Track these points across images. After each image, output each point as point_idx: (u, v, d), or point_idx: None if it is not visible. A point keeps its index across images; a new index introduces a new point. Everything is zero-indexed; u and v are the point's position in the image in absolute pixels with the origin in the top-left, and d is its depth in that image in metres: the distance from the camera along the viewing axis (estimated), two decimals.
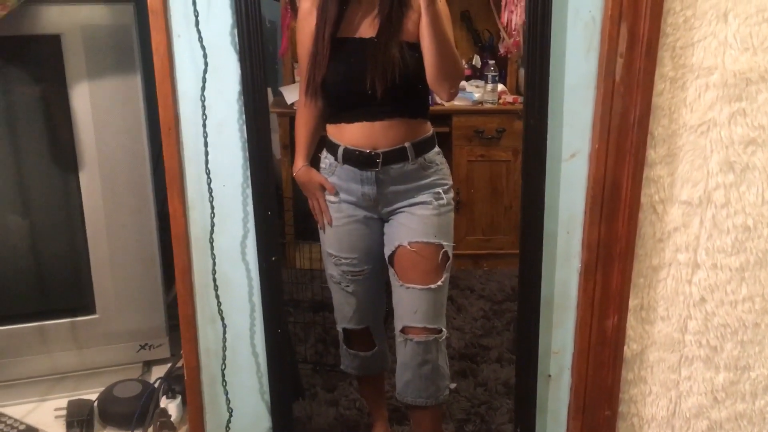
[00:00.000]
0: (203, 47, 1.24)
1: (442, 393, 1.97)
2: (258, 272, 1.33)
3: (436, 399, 1.98)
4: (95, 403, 1.54)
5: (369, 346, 2.03)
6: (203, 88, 1.23)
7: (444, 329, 1.92)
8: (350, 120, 1.79)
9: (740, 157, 1.28)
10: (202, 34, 1.23)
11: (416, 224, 1.83)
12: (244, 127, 1.26)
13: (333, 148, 1.84)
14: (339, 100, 1.82)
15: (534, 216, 1.31)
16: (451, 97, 1.80)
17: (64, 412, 1.51)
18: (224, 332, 1.35)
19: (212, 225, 1.29)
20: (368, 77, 1.71)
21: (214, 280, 1.32)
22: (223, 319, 1.34)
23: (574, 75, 1.25)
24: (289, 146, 3.44)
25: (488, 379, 2.56)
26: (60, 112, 1.46)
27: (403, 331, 1.88)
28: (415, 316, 1.87)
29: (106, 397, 1.53)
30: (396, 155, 1.79)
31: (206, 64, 1.23)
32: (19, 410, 1.57)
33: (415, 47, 1.70)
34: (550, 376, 1.40)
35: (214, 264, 1.31)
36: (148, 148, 1.50)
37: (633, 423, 1.44)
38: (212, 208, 1.28)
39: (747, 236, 1.32)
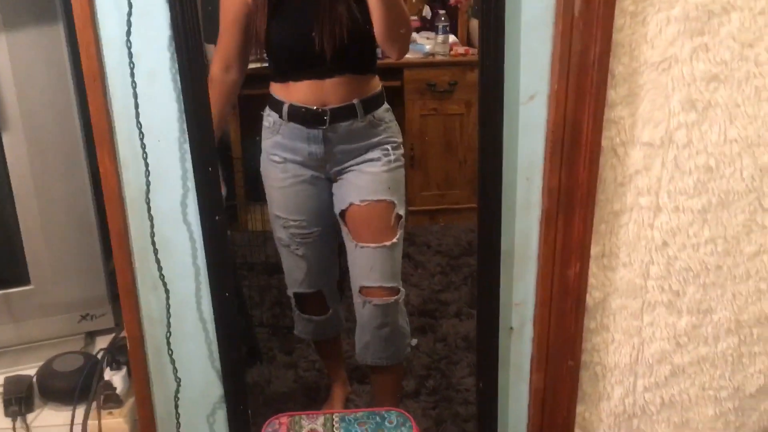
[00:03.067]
0: None
1: (402, 352, 1.97)
2: (201, 233, 1.24)
3: (397, 359, 1.98)
4: (34, 379, 1.45)
5: (322, 310, 1.98)
6: (128, 33, 1.12)
7: (401, 288, 1.88)
8: (297, 78, 1.72)
9: (702, 94, 1.24)
10: None
11: (366, 182, 1.78)
12: (178, 76, 1.16)
13: (277, 106, 1.76)
14: (285, 59, 1.74)
15: (492, 163, 1.25)
16: (401, 55, 1.74)
17: (0, 389, 1.42)
18: (167, 298, 1.27)
19: (147, 184, 1.19)
20: (315, 38, 1.63)
21: (153, 243, 1.23)
22: (165, 284, 1.25)
23: (531, 10, 1.17)
24: (238, 106, 3.33)
25: (447, 334, 2.55)
26: None
27: (361, 291, 1.84)
28: (371, 275, 1.83)
29: (45, 372, 1.44)
30: (344, 112, 1.72)
31: (130, 5, 1.11)
32: None
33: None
34: (512, 328, 1.36)
35: (152, 226, 1.22)
36: (76, 103, 1.39)
37: (596, 371, 1.41)
38: (146, 165, 1.18)
39: (709, 177, 1.28)
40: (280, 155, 1.79)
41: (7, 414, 1.39)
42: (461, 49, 3.35)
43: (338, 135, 1.74)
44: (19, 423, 1.38)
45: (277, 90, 1.76)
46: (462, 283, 2.92)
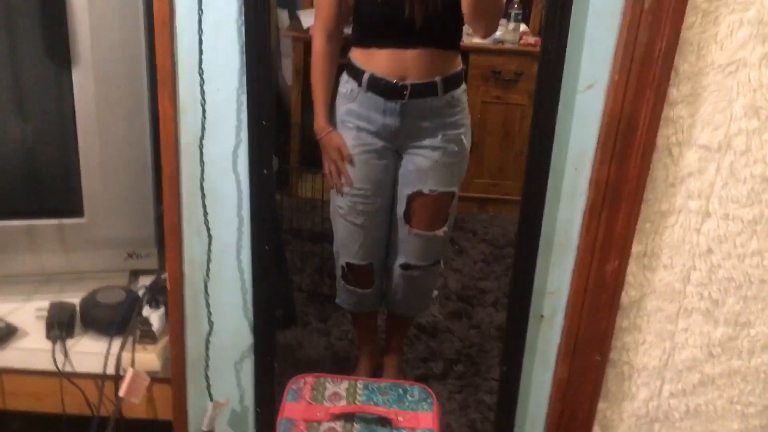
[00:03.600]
0: None
1: (427, 307, 2.13)
2: (249, 185, 1.27)
3: (421, 312, 2.14)
4: (77, 307, 1.51)
5: (368, 283, 2.01)
6: None
7: (441, 261, 1.93)
8: (381, 45, 1.70)
9: (767, 102, 1.20)
10: None
11: (439, 173, 1.80)
12: (243, 28, 1.18)
13: (357, 74, 1.76)
14: (372, 25, 1.73)
15: (542, 149, 1.24)
16: (488, 33, 1.72)
17: (45, 313, 1.49)
18: (209, 243, 1.31)
19: (203, 130, 1.23)
20: (407, 3, 1.62)
21: (202, 188, 1.26)
22: (209, 230, 1.29)
23: None
24: (303, 72, 3.37)
25: (482, 322, 2.55)
26: (55, 3, 1.39)
27: (403, 266, 1.88)
28: (417, 257, 1.89)
29: (88, 302, 1.50)
30: (425, 89, 1.72)
31: None
32: (1, 308, 1.55)
33: None
34: (542, 316, 1.36)
35: (203, 172, 1.26)
36: (145, 46, 1.43)
37: (623, 371, 1.40)
38: (203, 112, 1.21)
39: (764, 187, 1.25)
40: (354, 122, 1.79)
41: (48, 337, 1.46)
42: (531, 39, 3.30)
43: (415, 111, 1.74)
44: (58, 346, 1.44)
45: (357, 57, 1.76)
46: (503, 274, 2.91)
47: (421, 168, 1.79)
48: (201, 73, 1.19)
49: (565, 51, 1.19)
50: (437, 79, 1.71)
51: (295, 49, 3.26)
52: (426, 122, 1.75)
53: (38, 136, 1.54)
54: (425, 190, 1.80)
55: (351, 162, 1.78)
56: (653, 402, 1.42)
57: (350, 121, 1.79)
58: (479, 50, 3.25)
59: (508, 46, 3.30)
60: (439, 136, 1.76)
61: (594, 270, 1.30)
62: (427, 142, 1.78)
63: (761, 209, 1.26)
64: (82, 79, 1.43)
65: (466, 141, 1.81)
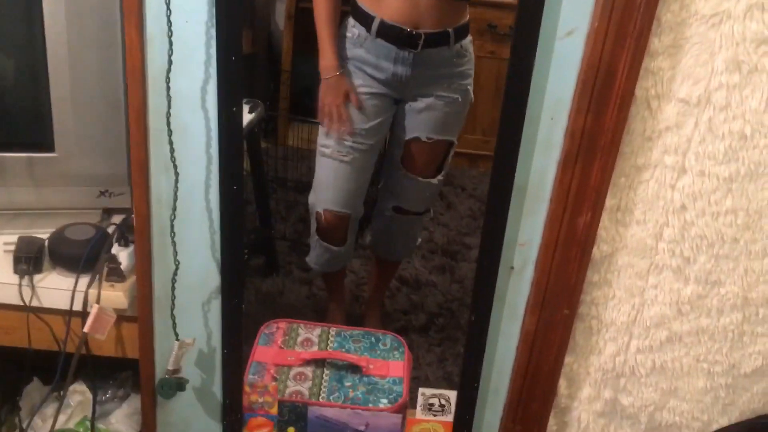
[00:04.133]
0: None
1: (411, 251, 2.14)
2: (217, 122, 1.24)
3: (406, 256, 2.14)
4: (46, 242, 1.49)
5: (342, 239, 1.99)
6: None
7: (431, 209, 1.99)
8: None
9: (750, 56, 1.17)
10: None
11: (439, 122, 1.79)
12: None
13: (365, 19, 1.72)
14: None
15: (518, 97, 1.21)
16: None
17: (13, 247, 1.47)
18: (176, 181, 1.28)
19: (170, 63, 1.19)
20: None
21: (168, 124, 1.23)
22: (176, 167, 1.27)
23: None
24: (293, 17, 3.30)
25: (465, 277, 2.55)
26: None
27: (396, 209, 1.91)
28: (408, 202, 1.91)
29: (57, 238, 1.49)
30: (438, 39, 1.70)
31: None
32: None
33: None
34: (512, 268, 1.35)
35: (169, 107, 1.22)
36: None
37: (591, 325, 1.40)
38: (171, 44, 1.17)
39: (742, 144, 1.23)
40: (360, 67, 1.76)
41: (15, 271, 1.44)
42: None
43: (427, 61, 1.72)
44: (25, 281, 1.43)
45: (365, 1, 1.72)
46: None
47: (421, 115, 1.79)
48: (168, 2, 1.15)
49: None
50: (450, 29, 1.70)
51: None
52: (436, 72, 1.75)
53: (7, 65, 1.50)
54: (423, 137, 1.80)
55: (360, 107, 1.74)
56: (620, 357, 1.42)
57: (356, 66, 1.75)
58: (475, 2, 3.18)
59: None
60: (447, 86, 1.76)
61: (566, 223, 1.28)
62: (434, 91, 1.76)
63: (738, 167, 1.24)
64: (53, 7, 1.39)
65: (470, 90, 1.81)
